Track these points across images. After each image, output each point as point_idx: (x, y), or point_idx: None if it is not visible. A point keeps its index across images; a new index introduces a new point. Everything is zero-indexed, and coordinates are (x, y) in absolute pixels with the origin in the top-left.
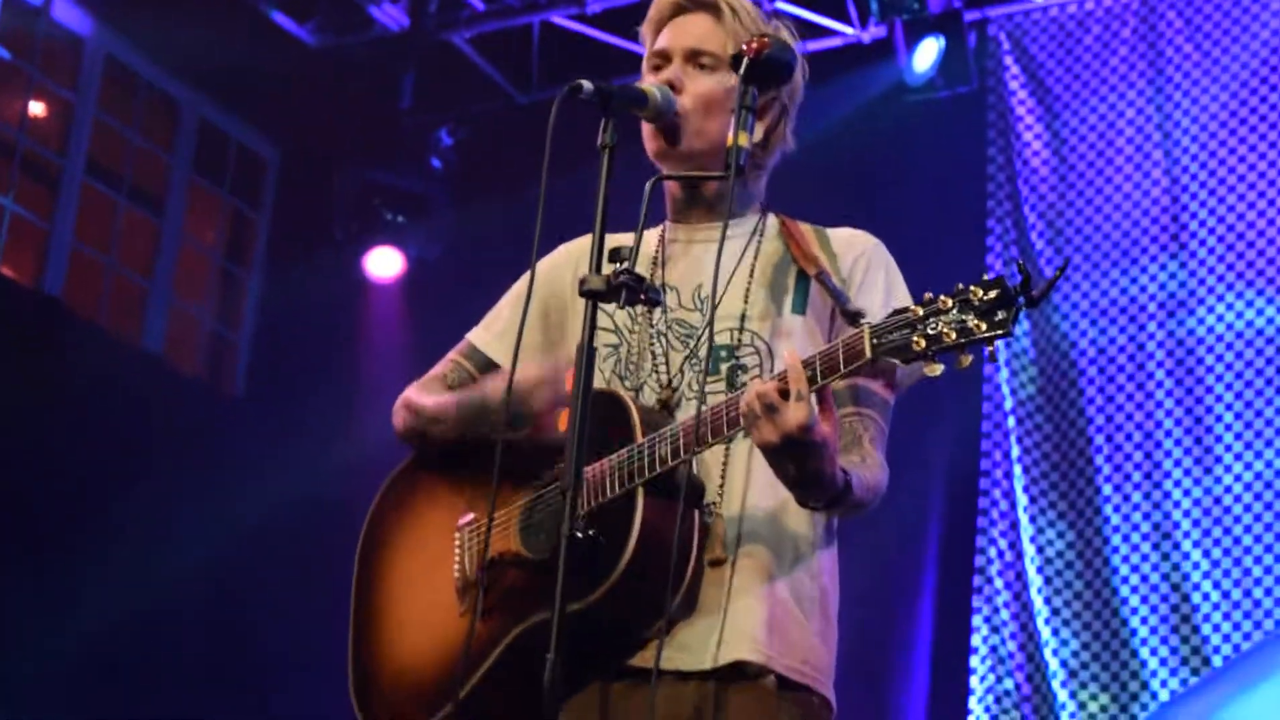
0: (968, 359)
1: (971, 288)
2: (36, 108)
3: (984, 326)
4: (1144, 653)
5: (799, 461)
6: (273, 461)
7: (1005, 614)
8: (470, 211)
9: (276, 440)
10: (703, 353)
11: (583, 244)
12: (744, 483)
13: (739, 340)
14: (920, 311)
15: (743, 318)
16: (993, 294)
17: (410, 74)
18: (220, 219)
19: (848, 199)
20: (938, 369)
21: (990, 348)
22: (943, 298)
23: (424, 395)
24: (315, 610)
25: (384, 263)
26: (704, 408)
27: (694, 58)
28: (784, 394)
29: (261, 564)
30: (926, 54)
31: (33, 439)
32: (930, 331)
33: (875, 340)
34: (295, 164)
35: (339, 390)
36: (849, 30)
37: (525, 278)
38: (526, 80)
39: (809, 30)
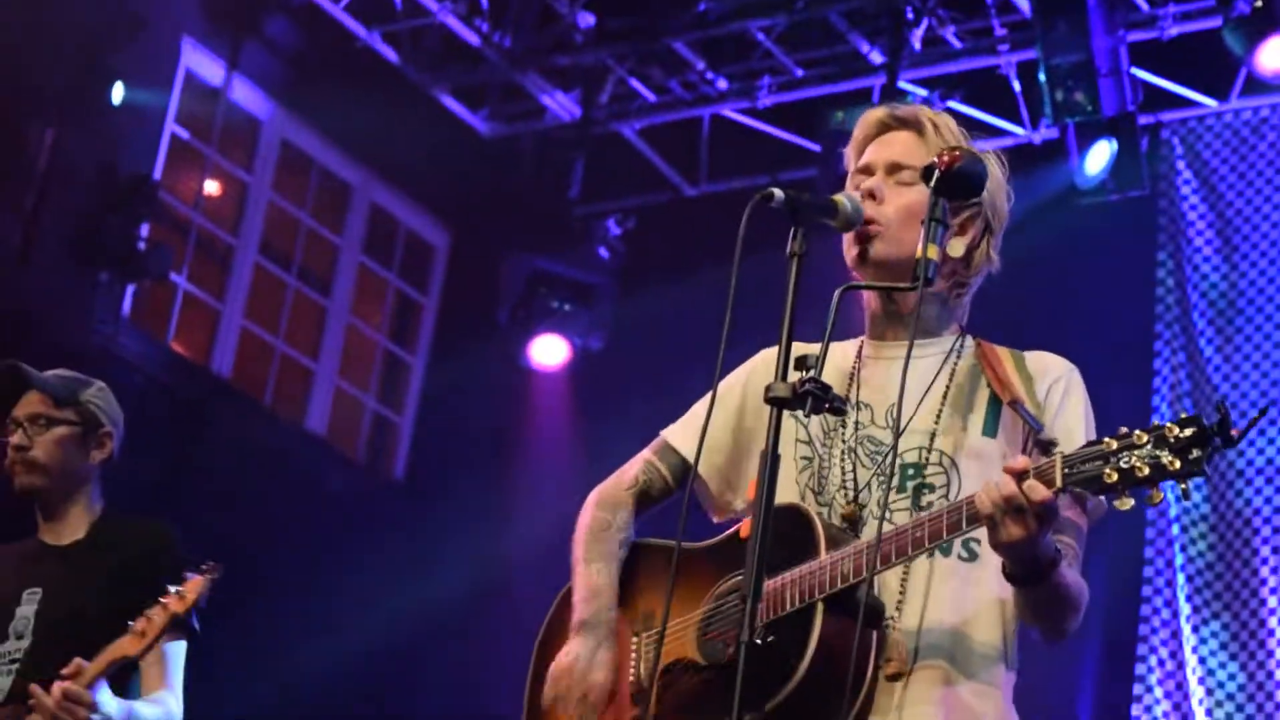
0: (1159, 495)
1: (1167, 425)
2: (212, 187)
3: (1178, 464)
4: None
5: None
6: (431, 547)
7: None
8: (636, 302)
9: (435, 526)
10: (889, 470)
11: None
12: (923, 599)
13: (926, 459)
14: (1114, 445)
15: (932, 436)
16: (1189, 432)
17: (580, 163)
18: (387, 303)
19: (1017, 301)
20: (1129, 503)
21: (1183, 485)
22: (1138, 432)
23: (592, 542)
24: (472, 700)
25: (549, 351)
26: (889, 528)
27: (895, 170)
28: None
29: (419, 651)
30: (1099, 156)
31: (195, 516)
32: (1123, 465)
33: (1067, 469)
34: (463, 250)
35: (500, 478)
36: (1020, 131)
37: (729, 380)
38: (695, 172)
39: (980, 129)
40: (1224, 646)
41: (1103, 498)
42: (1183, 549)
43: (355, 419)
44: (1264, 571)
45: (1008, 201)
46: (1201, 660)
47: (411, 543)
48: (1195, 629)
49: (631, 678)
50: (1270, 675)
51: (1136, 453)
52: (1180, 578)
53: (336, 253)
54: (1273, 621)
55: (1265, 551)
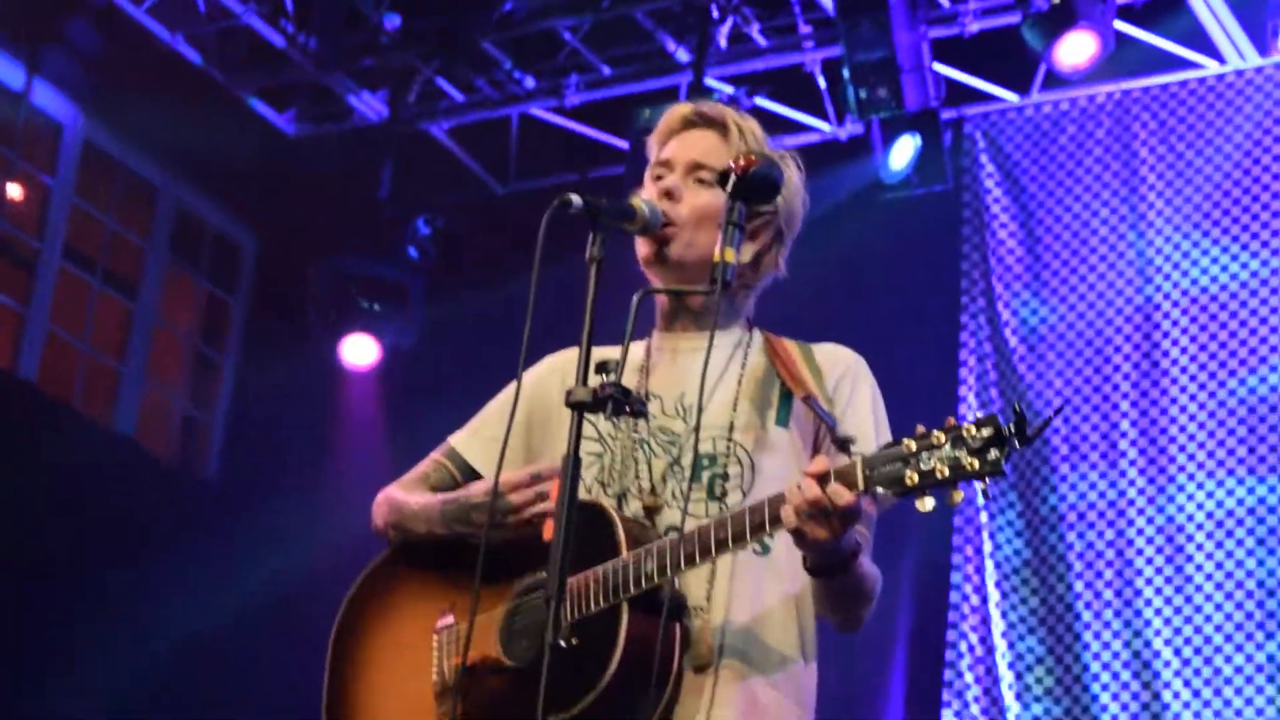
0: (959, 495)
1: (965, 426)
2: (14, 191)
3: (976, 464)
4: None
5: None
6: (245, 547)
7: (975, 709)
8: (446, 302)
9: (249, 525)
10: (686, 461)
11: (568, 355)
12: (726, 594)
13: (721, 449)
14: (913, 446)
15: (730, 428)
16: (986, 432)
17: (388, 163)
18: (195, 304)
19: (822, 295)
20: (929, 503)
21: (982, 485)
22: (936, 433)
23: (407, 494)
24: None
25: (359, 351)
26: (691, 524)
27: (695, 170)
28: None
29: (233, 649)
30: (903, 152)
31: (3, 521)
32: (923, 467)
33: (868, 471)
34: (272, 251)
35: (312, 476)
36: (826, 127)
37: (511, 387)
38: (504, 171)
39: (786, 126)
40: (1032, 631)
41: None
42: (990, 536)
43: (165, 421)
44: (1070, 556)
45: (803, 208)
46: (1010, 645)
47: (224, 543)
48: (1004, 614)
49: (435, 676)
50: (1078, 658)
51: (936, 454)
52: (989, 564)
53: (143, 255)
54: (1079, 605)
55: (1071, 537)
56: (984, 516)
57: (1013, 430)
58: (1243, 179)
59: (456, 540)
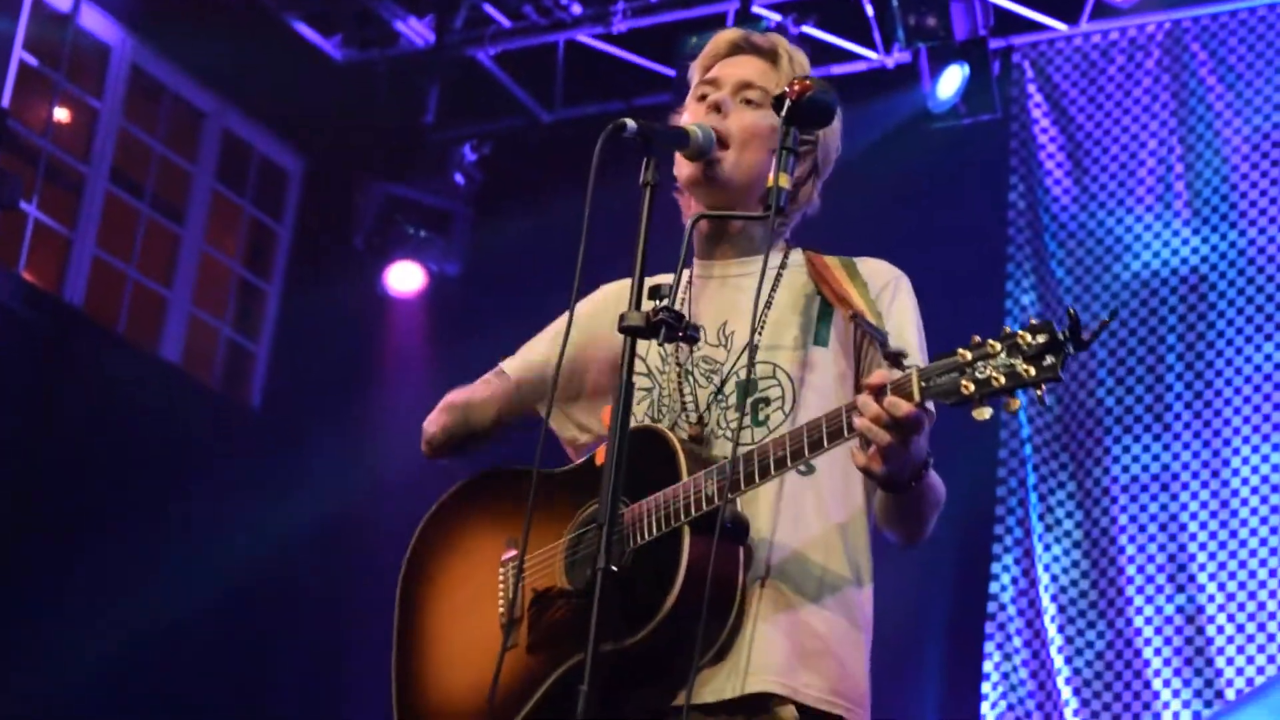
0: (1016, 403)
1: (1020, 332)
2: (61, 114)
3: (1032, 371)
4: (1157, 684)
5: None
6: (287, 475)
7: (1018, 641)
8: (492, 228)
9: (294, 453)
10: (729, 389)
11: (622, 286)
12: (772, 518)
13: (762, 373)
14: (968, 355)
15: (766, 350)
16: (1041, 338)
17: (434, 89)
18: (241, 230)
19: (869, 224)
20: (986, 412)
21: (1039, 392)
22: (990, 342)
23: (465, 392)
24: (335, 628)
25: (405, 277)
26: (748, 446)
27: (743, 89)
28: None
29: (278, 578)
30: (950, 81)
31: (48, 446)
32: (979, 376)
33: (924, 383)
34: (318, 177)
35: (358, 404)
36: (873, 55)
37: (565, 316)
38: (550, 98)
39: (833, 54)
40: (1075, 565)
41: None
42: (1034, 469)
43: (211, 348)
44: (1115, 490)
45: (838, 150)
46: (1054, 578)
47: (269, 471)
48: (1047, 547)
49: (501, 608)
50: (1120, 592)
51: (991, 362)
52: (1033, 497)
53: (189, 180)
54: (1123, 539)
55: (1115, 469)
56: (1028, 449)
57: (1068, 335)
58: None
59: (521, 474)
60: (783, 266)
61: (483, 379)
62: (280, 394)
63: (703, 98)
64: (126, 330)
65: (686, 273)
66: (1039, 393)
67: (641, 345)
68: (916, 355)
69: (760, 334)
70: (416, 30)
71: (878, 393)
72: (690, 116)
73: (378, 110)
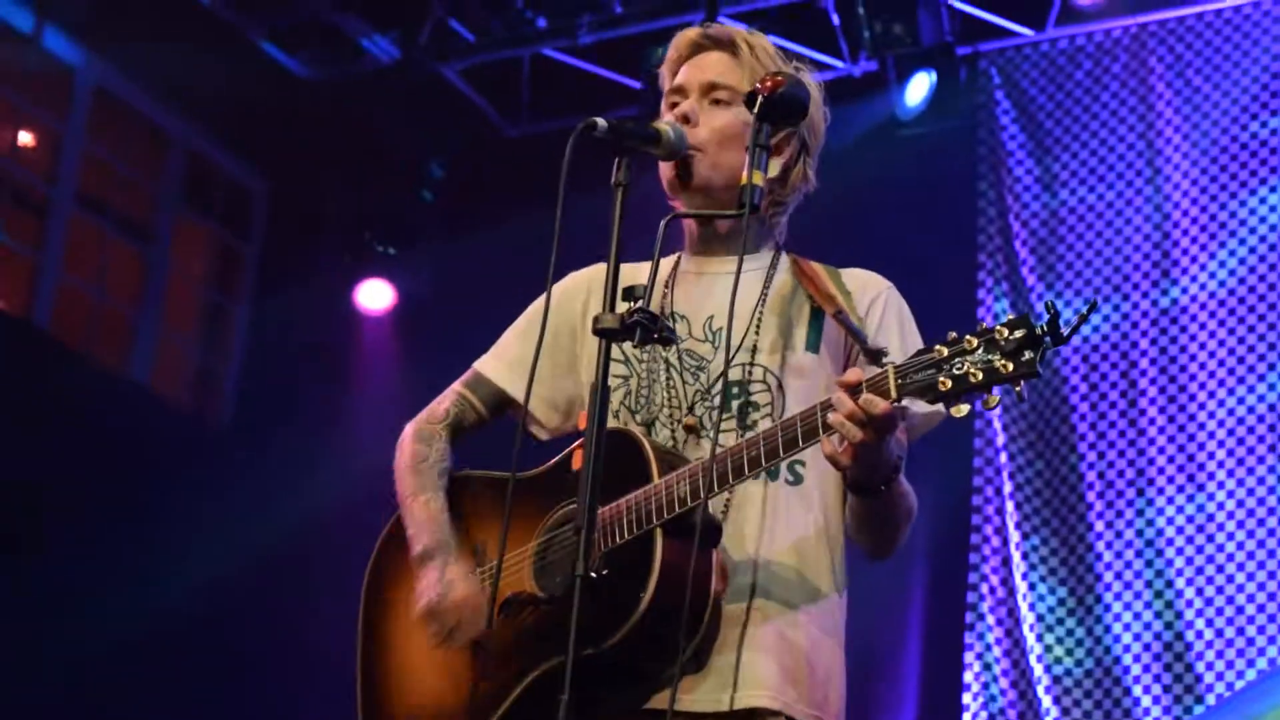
0: (995, 399)
1: (997, 328)
2: (25, 138)
3: (1010, 367)
4: (1136, 690)
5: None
6: (260, 494)
7: (997, 650)
8: (460, 243)
9: (264, 472)
10: (716, 389)
11: (595, 271)
12: (759, 529)
13: (750, 375)
14: (945, 351)
15: (754, 352)
16: (1019, 334)
17: (401, 106)
18: (208, 250)
19: (838, 233)
20: (964, 409)
21: (1017, 388)
22: (968, 337)
23: (416, 484)
24: (303, 646)
25: (374, 295)
26: (721, 448)
27: (710, 91)
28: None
29: (250, 598)
30: (918, 88)
31: (18, 469)
32: (956, 372)
33: (900, 380)
34: (285, 196)
35: (329, 422)
36: (840, 64)
37: (535, 304)
38: (517, 113)
39: (800, 63)
40: (1053, 572)
41: (919, 411)
42: (1010, 477)
43: (179, 368)
44: (1090, 496)
45: (824, 120)
46: (1031, 586)
47: (239, 491)
48: (1024, 555)
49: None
50: (1099, 599)
51: (969, 358)
52: (1009, 505)
53: (155, 201)
54: (1100, 545)
55: (1091, 476)
56: (1004, 457)
57: (1045, 330)
58: (1260, 112)
59: (490, 481)
60: (772, 267)
61: (451, 400)
62: (250, 413)
63: (674, 105)
64: (95, 352)
65: (671, 263)
66: (1017, 389)
67: None
68: (899, 358)
69: (756, 335)
70: (382, 47)
71: (854, 389)
72: None
73: (344, 128)
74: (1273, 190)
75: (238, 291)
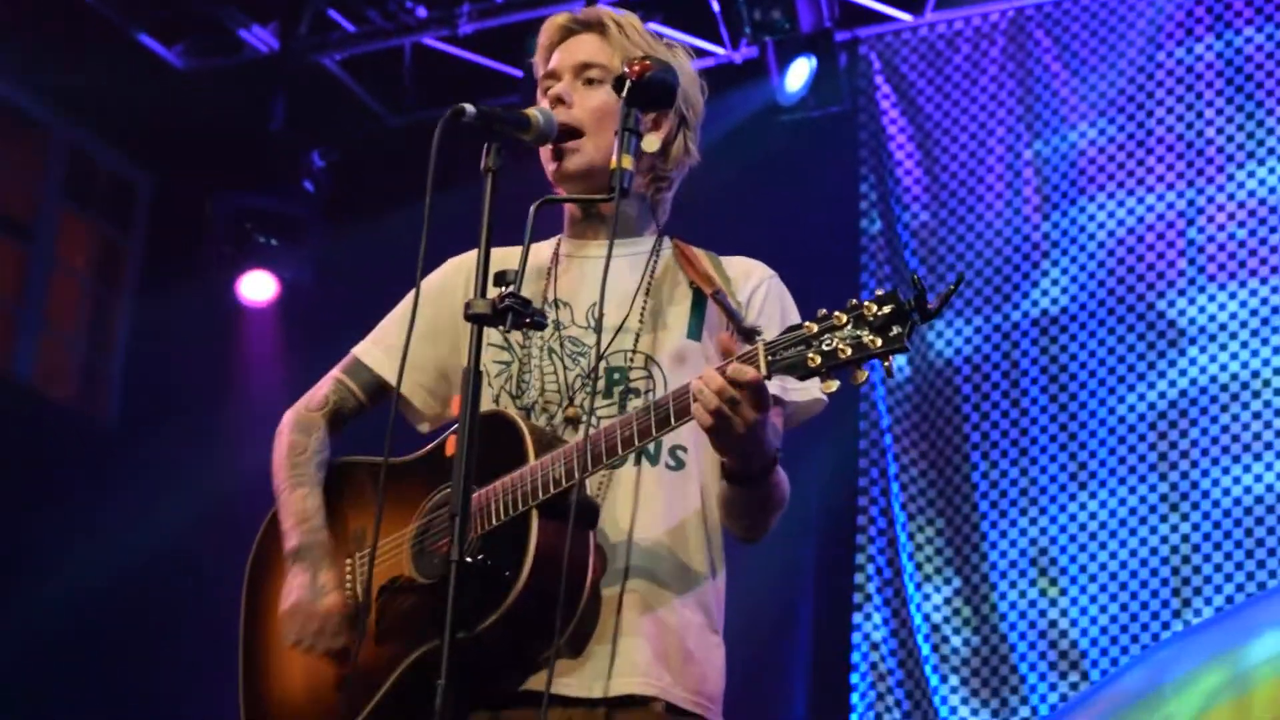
0: (864, 375)
1: (866, 303)
2: None
3: (879, 342)
4: (1023, 667)
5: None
6: (148, 489)
7: (884, 631)
8: (343, 234)
9: (151, 467)
10: (595, 371)
11: (471, 259)
12: (631, 512)
13: (631, 362)
14: (815, 328)
15: (635, 338)
16: (887, 309)
17: (281, 96)
18: (91, 245)
19: (719, 218)
20: (833, 385)
21: (886, 363)
22: (837, 314)
23: (292, 475)
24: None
25: (257, 286)
26: (595, 429)
27: (583, 71)
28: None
29: (138, 594)
30: (798, 74)
31: None
32: (825, 348)
33: (770, 356)
34: (166, 189)
35: (215, 415)
36: (720, 51)
37: (411, 295)
38: (398, 102)
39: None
40: (939, 552)
41: (798, 397)
42: (895, 458)
43: (64, 364)
44: (975, 476)
45: (702, 94)
46: (918, 566)
47: (126, 486)
48: (910, 536)
49: (349, 598)
50: (985, 578)
51: (838, 334)
52: (894, 486)
53: (36, 197)
54: (985, 525)
55: (976, 457)
56: (889, 439)
57: (913, 304)
58: (1138, 95)
59: (361, 468)
60: (654, 253)
61: (330, 386)
62: (136, 408)
63: (548, 90)
64: None
65: (551, 248)
66: (886, 364)
67: None
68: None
69: (640, 322)
70: (260, 37)
71: (723, 365)
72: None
73: (224, 119)
74: (1149, 190)
75: (121, 286)
